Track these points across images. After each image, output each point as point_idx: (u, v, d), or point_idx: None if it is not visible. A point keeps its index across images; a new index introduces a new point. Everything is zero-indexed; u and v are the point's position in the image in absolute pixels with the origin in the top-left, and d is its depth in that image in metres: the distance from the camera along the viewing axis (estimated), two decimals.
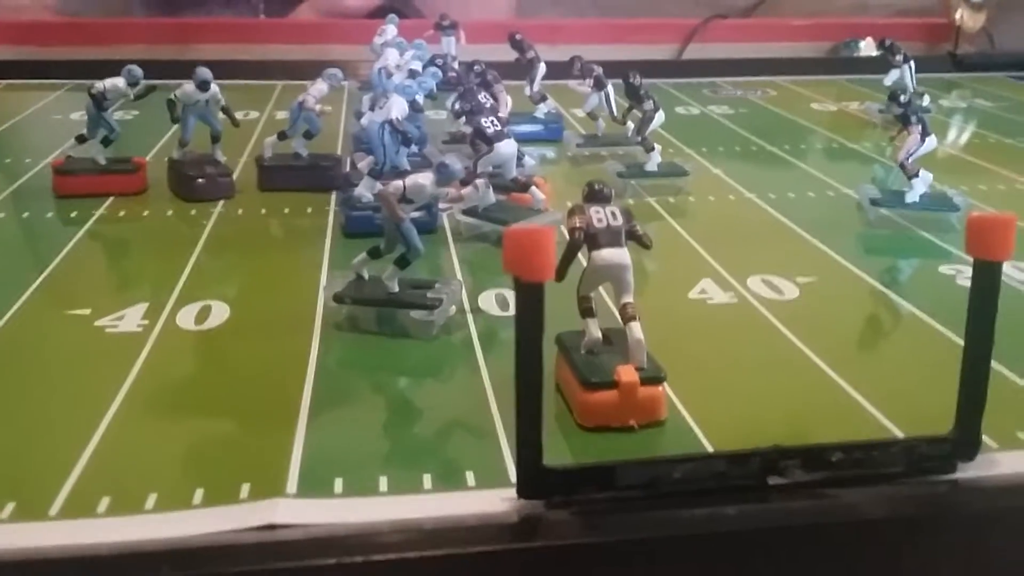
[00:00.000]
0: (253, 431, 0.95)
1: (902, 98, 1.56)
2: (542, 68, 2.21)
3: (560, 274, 0.95)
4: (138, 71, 1.74)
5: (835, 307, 1.29)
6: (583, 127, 2.26)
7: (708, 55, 3.52)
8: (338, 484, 0.84)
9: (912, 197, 1.58)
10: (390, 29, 2.29)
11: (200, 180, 1.73)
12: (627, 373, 0.95)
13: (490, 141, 1.51)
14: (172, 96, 1.72)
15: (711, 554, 0.74)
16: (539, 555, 0.73)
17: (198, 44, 3.37)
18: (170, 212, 1.68)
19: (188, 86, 1.71)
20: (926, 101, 2.46)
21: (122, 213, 1.67)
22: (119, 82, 1.72)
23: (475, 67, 1.82)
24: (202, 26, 3.45)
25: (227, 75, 2.11)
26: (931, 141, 1.57)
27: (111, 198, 1.73)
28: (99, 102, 1.71)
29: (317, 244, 1.53)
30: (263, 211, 1.70)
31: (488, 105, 1.66)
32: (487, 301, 1.30)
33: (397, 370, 1.11)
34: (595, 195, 1.02)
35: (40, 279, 1.35)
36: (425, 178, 1.16)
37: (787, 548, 0.75)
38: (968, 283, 0.81)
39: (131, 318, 1.23)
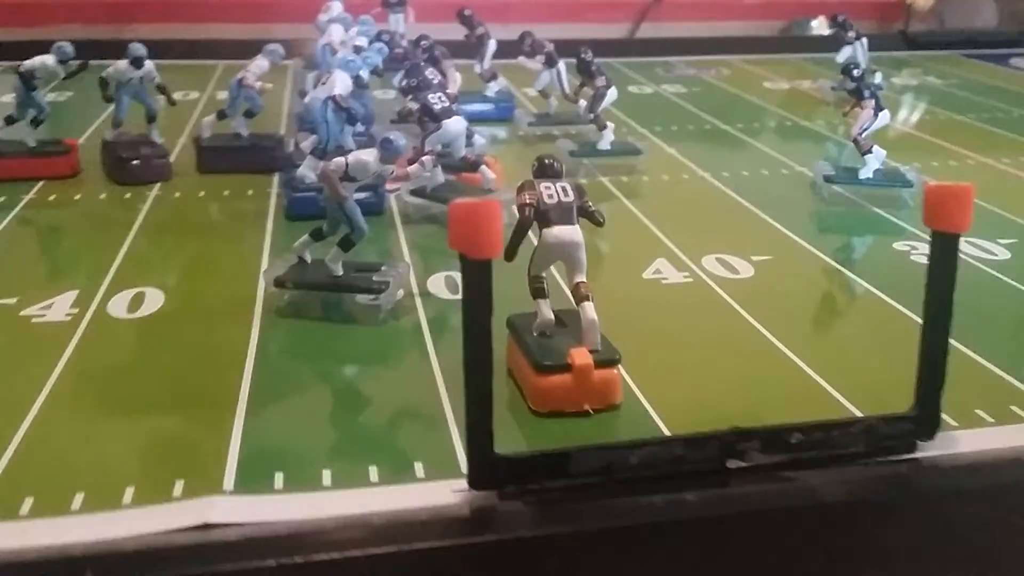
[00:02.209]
0: (187, 425, 0.90)
1: (855, 72, 1.55)
2: (492, 45, 2.16)
3: (510, 253, 0.91)
4: (68, 48, 1.65)
5: (790, 285, 1.27)
6: (535, 106, 2.22)
7: (661, 34, 3.49)
8: (278, 479, 0.80)
9: (866, 173, 1.56)
10: (335, 5, 2.22)
11: (135, 162, 1.66)
12: (581, 356, 0.91)
13: (437, 118, 1.46)
14: (103, 74, 1.64)
15: (672, 542, 0.71)
16: (492, 549, 0.69)
17: (135, 24, 3.26)
18: (103, 196, 1.61)
19: (121, 63, 1.64)
20: (878, 79, 2.46)
21: (52, 197, 1.59)
22: (48, 60, 1.64)
23: (422, 42, 1.77)
24: (140, 4, 3.33)
25: (166, 55, 2.03)
26: (884, 116, 1.55)
27: (41, 182, 1.64)
28: (28, 81, 1.63)
29: (258, 228, 1.47)
30: (201, 194, 1.63)
31: (436, 81, 1.61)
32: (436, 284, 1.25)
33: (342, 357, 1.06)
34: (545, 170, 0.98)
35: None
36: (369, 155, 1.11)
37: (750, 534, 0.72)
38: (923, 259, 0.79)
39: (59, 307, 1.16)
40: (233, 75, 1.74)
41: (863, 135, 1.55)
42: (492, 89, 2.17)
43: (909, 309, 1.16)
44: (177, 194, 1.62)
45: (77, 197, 1.60)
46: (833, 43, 2.55)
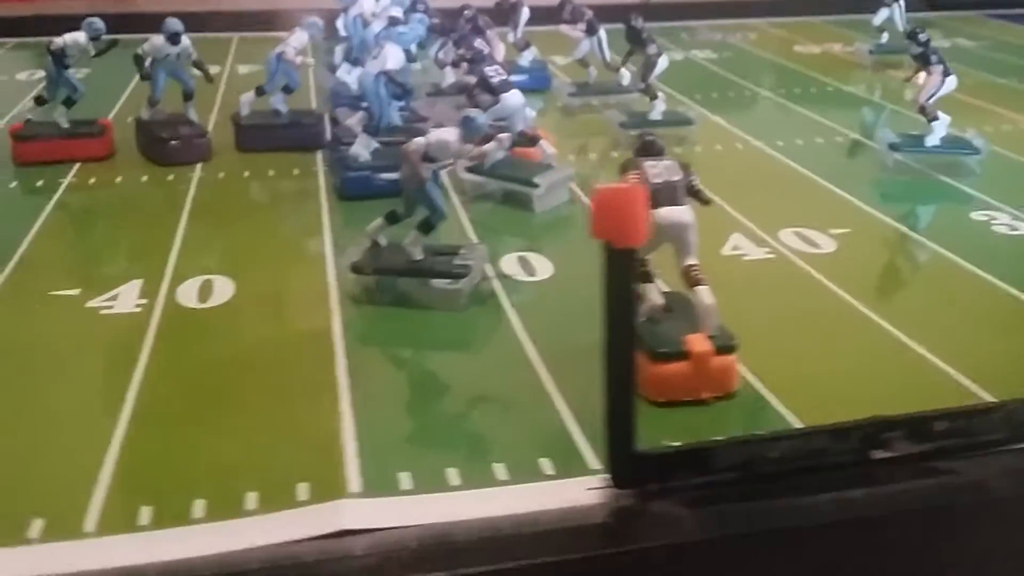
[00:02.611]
0: (294, 421, 0.86)
1: (920, 36, 1.50)
2: (525, 13, 2.10)
3: None
4: (100, 24, 1.59)
5: (877, 260, 1.23)
6: (567, 75, 2.16)
7: None
8: (404, 479, 0.76)
9: (933, 140, 1.52)
10: None
11: (174, 142, 1.60)
12: (699, 342, 0.87)
13: (496, 92, 1.41)
14: (139, 51, 1.58)
15: (842, 543, 0.67)
16: (654, 552, 0.66)
17: None
18: (145, 178, 1.55)
19: (157, 39, 1.57)
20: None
21: (92, 180, 1.53)
22: (80, 37, 1.57)
23: (465, 12, 1.70)
24: None
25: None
26: (951, 81, 1.51)
27: (76, 164, 1.58)
28: (59, 59, 1.56)
29: (312, 208, 1.42)
30: (246, 174, 1.57)
31: (486, 52, 1.56)
32: (510, 265, 1.21)
33: (434, 345, 1.02)
34: (648, 148, 0.94)
35: (15, 258, 1.23)
36: (450, 133, 1.06)
37: (920, 531, 0.69)
38: (1006, 230, 0.74)
39: (126, 297, 1.12)
40: (251, 48, 1.68)
41: (930, 102, 1.50)
42: (526, 58, 2.11)
43: (1010, 285, 1.13)
44: (221, 174, 1.57)
45: (118, 180, 1.54)
46: (853, 4, 2.49)
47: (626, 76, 1.93)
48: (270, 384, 0.92)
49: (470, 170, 1.47)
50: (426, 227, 1.09)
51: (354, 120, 1.57)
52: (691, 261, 0.91)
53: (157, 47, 1.57)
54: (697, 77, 2.28)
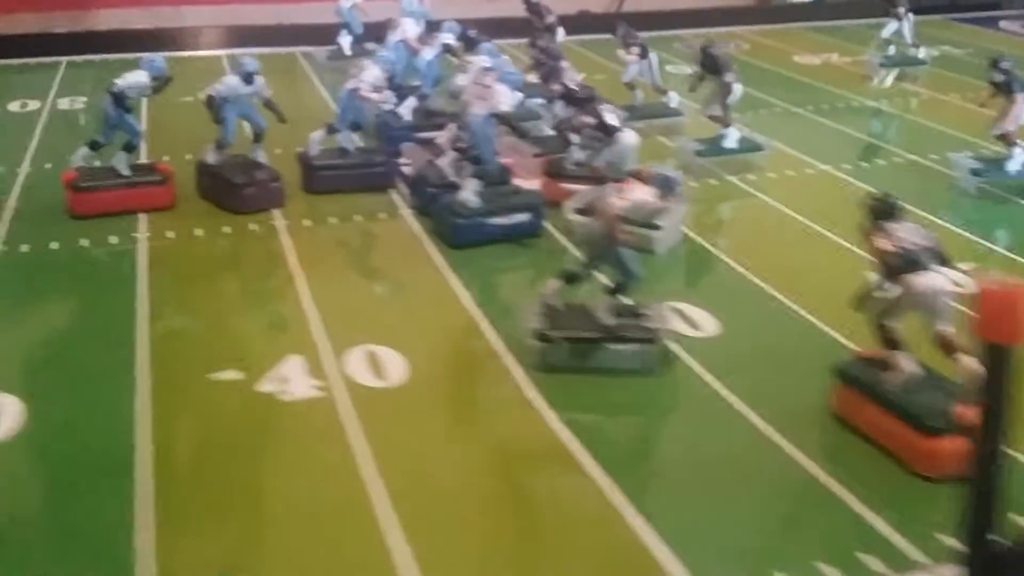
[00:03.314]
0: (574, 515, 0.81)
1: (1004, 64, 1.53)
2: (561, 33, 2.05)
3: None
4: (161, 63, 1.47)
5: None
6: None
7: (643, 7, 3.41)
8: None
9: (1014, 166, 1.56)
10: None
11: (250, 189, 1.49)
12: (972, 414, 0.86)
13: (612, 132, 1.37)
14: (211, 92, 1.46)
15: None
16: None
17: (96, 8, 2.96)
18: (227, 229, 1.44)
19: (231, 79, 1.46)
20: (922, 53, 2.47)
21: (171, 234, 1.42)
22: (142, 77, 1.45)
23: (538, 43, 1.65)
24: None
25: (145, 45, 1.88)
26: None
27: (141, 215, 1.46)
28: (121, 102, 1.44)
29: (424, 258, 1.36)
30: (332, 220, 1.49)
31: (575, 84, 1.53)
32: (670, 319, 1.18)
33: (653, 415, 1.00)
34: (890, 211, 0.93)
35: (140, 333, 1.12)
36: (649, 193, 1.03)
37: None
38: None
39: (295, 378, 1.04)
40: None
41: (1013, 129, 1.54)
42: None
43: None
44: (307, 222, 1.48)
45: (198, 232, 1.43)
46: (829, 12, 2.49)
47: (674, 99, 1.91)
48: (502, 465, 0.87)
49: (579, 211, 1.42)
50: (618, 291, 1.05)
51: (445, 162, 1.51)
52: (946, 327, 0.90)
53: (232, 87, 1.46)
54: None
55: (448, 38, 1.79)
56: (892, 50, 2.44)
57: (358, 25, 2.42)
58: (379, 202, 1.57)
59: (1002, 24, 3.16)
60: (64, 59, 2.32)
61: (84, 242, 1.39)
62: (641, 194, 1.02)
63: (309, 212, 1.51)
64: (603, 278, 1.10)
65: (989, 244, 1.41)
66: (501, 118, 1.36)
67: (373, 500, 0.84)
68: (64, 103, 2.02)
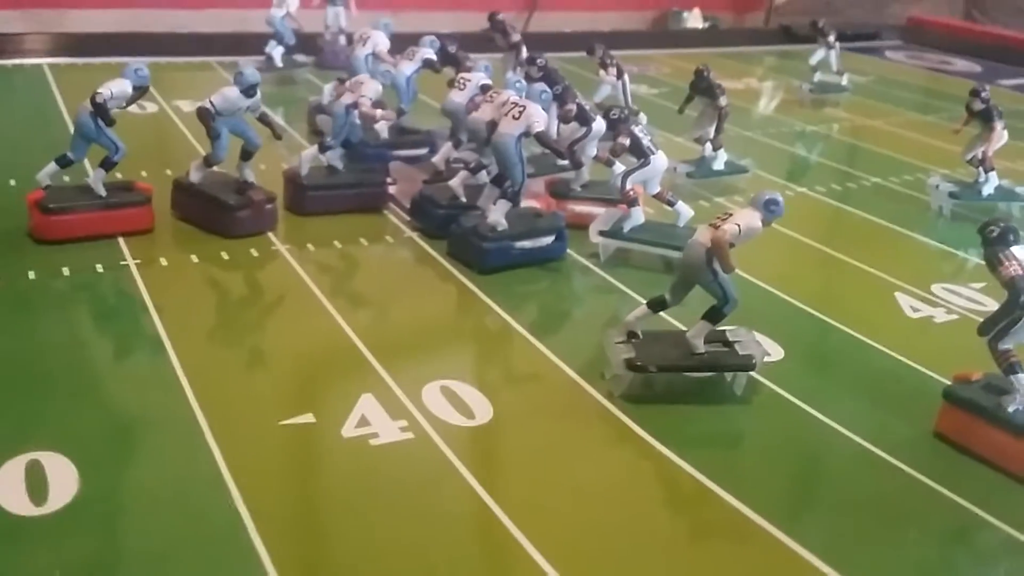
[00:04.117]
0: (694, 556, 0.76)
1: (983, 95, 1.60)
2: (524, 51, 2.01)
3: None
4: (145, 71, 1.33)
5: None
6: None
7: (547, 27, 3.42)
8: None
9: (988, 190, 1.64)
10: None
11: (245, 211, 1.36)
12: None
13: (646, 154, 1.34)
14: (206, 106, 1.33)
15: None
16: None
17: (68, 8, 2.70)
18: (224, 255, 1.31)
19: (230, 92, 1.33)
20: (844, 80, 2.58)
21: (164, 262, 1.27)
22: (126, 86, 1.30)
23: (538, 61, 1.59)
24: None
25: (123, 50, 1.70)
26: (1005, 134, 1.63)
27: (123, 240, 1.31)
28: (105, 113, 1.29)
29: (454, 282, 1.28)
30: (336, 244, 1.38)
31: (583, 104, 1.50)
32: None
33: (774, 444, 0.96)
34: (1015, 235, 0.93)
35: (179, 377, 0.99)
36: (756, 219, 1.00)
37: None
38: None
39: (378, 421, 0.94)
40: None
41: (990, 154, 1.62)
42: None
43: None
44: (310, 247, 1.36)
45: (194, 259, 1.29)
46: (725, 38, 2.57)
47: (643, 119, 1.90)
48: (612, 499, 0.82)
49: (604, 233, 1.38)
50: (715, 316, 1.02)
51: (456, 182, 1.43)
52: None
53: (231, 100, 1.33)
54: (665, 116, 2.25)
55: (428, 53, 1.71)
56: (818, 76, 2.53)
57: (290, 36, 2.31)
58: (377, 223, 1.47)
59: (888, 54, 3.36)
60: None
61: (65, 271, 1.23)
62: (750, 219, 0.99)
63: (308, 235, 1.40)
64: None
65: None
66: (539, 138, 1.30)
67: (517, 539, 0.76)
68: None
